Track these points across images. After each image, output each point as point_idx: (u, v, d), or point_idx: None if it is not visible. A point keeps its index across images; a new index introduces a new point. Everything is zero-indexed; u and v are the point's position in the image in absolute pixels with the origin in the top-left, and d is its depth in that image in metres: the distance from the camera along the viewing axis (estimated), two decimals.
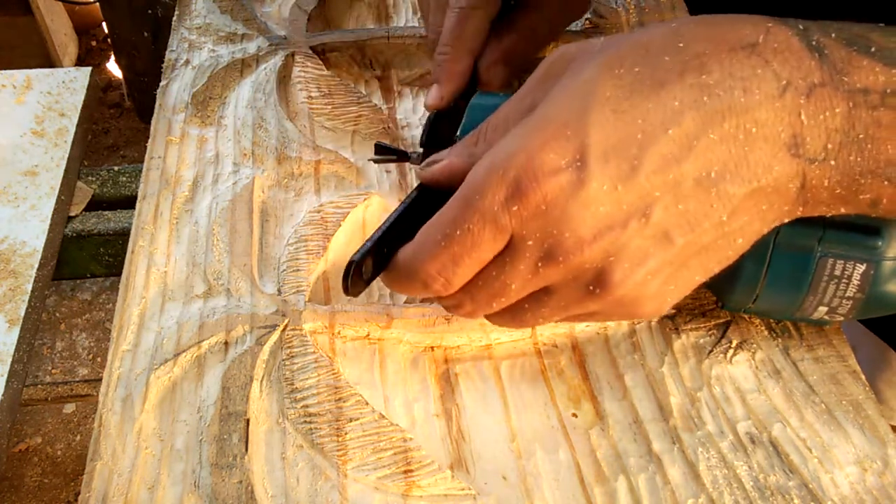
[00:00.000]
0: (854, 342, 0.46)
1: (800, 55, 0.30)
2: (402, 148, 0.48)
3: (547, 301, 0.34)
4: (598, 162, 0.30)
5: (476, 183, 0.32)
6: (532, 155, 0.30)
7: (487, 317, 0.37)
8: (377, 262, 0.36)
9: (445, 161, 0.36)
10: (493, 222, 0.31)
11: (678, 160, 0.30)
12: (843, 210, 0.33)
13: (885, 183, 0.31)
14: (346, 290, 0.35)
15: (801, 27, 0.31)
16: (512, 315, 0.36)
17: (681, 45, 0.30)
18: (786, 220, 0.33)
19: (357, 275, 0.35)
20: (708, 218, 0.31)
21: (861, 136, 0.30)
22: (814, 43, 0.30)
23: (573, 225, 0.30)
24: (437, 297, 0.35)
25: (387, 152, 0.46)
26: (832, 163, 0.31)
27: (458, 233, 0.32)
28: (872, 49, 0.30)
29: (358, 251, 0.36)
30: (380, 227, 0.37)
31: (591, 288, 0.32)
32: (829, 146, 0.30)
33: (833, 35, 0.31)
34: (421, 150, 0.48)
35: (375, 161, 0.46)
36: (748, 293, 0.42)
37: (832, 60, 0.30)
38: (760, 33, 0.30)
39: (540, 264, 0.32)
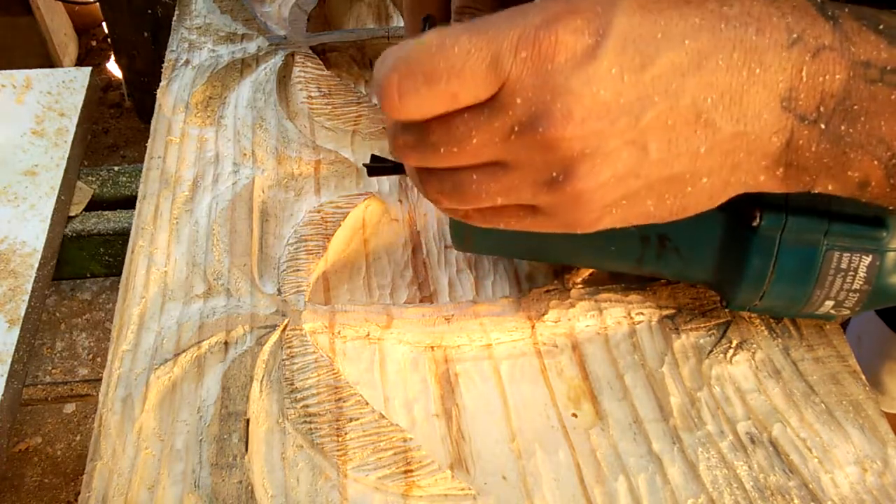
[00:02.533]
0: (860, 330, 0.46)
1: (815, 17, 0.31)
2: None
3: (500, 177, 0.33)
4: (617, 44, 0.30)
5: (491, 20, 0.30)
6: (558, 14, 0.30)
7: (425, 175, 0.34)
8: None
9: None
10: (495, 60, 0.30)
11: (684, 73, 0.30)
12: (830, 187, 0.33)
13: (875, 162, 0.32)
14: None
15: (818, 0, 0.32)
16: (454, 184, 0.34)
17: None
18: (761, 184, 0.33)
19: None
20: (688, 143, 0.31)
21: (855, 107, 0.31)
22: (829, 13, 0.32)
23: (568, 98, 0.30)
24: (386, 112, 0.31)
25: (382, 162, 0.44)
26: (822, 126, 0.31)
27: (454, 49, 0.30)
28: (881, 27, 0.31)
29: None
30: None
31: (553, 174, 0.31)
32: (822, 109, 0.31)
33: (846, 10, 0.32)
34: None
35: (370, 174, 0.44)
36: (755, 290, 0.42)
37: (844, 29, 0.31)
38: None
39: (516, 129, 0.31)
